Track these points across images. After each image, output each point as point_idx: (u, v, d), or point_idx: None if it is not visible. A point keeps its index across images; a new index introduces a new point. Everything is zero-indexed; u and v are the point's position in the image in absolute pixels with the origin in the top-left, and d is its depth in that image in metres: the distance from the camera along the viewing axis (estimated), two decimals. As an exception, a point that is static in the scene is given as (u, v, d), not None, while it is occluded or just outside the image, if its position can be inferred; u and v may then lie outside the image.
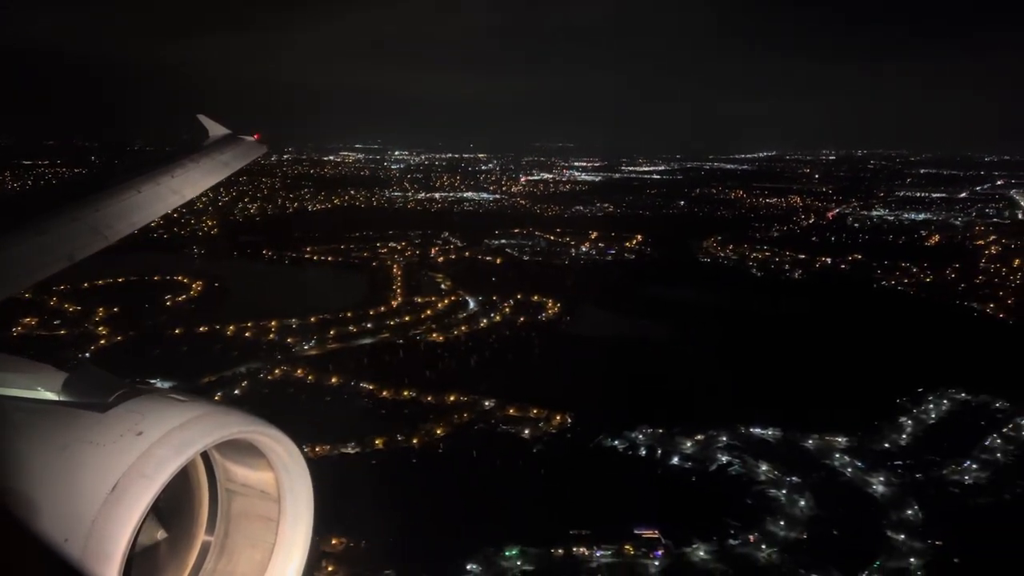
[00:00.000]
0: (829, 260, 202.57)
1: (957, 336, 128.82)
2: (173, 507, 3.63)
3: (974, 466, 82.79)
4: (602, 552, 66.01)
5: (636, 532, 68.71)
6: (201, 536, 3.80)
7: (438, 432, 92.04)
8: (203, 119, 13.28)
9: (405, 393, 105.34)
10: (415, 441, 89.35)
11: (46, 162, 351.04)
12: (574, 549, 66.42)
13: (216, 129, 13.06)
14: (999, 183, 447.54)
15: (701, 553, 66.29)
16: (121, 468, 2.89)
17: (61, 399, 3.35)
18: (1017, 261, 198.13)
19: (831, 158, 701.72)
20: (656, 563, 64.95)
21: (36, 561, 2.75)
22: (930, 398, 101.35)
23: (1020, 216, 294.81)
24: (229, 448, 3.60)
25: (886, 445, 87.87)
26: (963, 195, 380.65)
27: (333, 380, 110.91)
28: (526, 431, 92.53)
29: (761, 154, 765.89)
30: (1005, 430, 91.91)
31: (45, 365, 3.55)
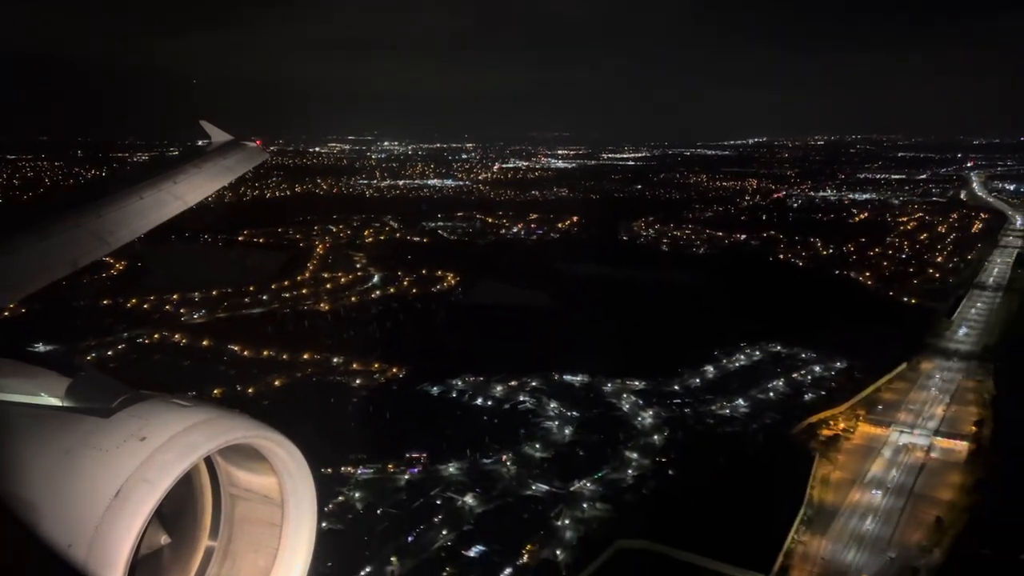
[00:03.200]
0: (743, 237, 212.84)
1: (812, 300, 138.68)
2: (177, 512, 3.69)
3: (742, 403, 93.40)
4: (364, 470, 76.88)
5: (407, 455, 79.52)
6: (205, 541, 3.86)
7: (276, 384, 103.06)
8: (206, 125, 13.43)
9: (265, 353, 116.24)
10: (250, 390, 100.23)
11: (30, 157, 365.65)
12: (342, 468, 77.25)
13: (219, 135, 13.25)
14: (968, 165, 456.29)
15: (451, 469, 77.09)
16: (125, 473, 2.92)
17: (64, 405, 3.41)
18: (923, 236, 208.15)
19: (819, 143, 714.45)
20: (406, 477, 75.90)
21: (40, 567, 2.80)
22: (747, 350, 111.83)
23: (962, 196, 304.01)
24: (232, 453, 3.65)
25: (676, 387, 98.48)
26: (922, 176, 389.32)
27: (204, 343, 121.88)
28: (357, 381, 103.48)
29: (751, 140, 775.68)
30: (795, 375, 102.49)
31: (48, 371, 3.60)
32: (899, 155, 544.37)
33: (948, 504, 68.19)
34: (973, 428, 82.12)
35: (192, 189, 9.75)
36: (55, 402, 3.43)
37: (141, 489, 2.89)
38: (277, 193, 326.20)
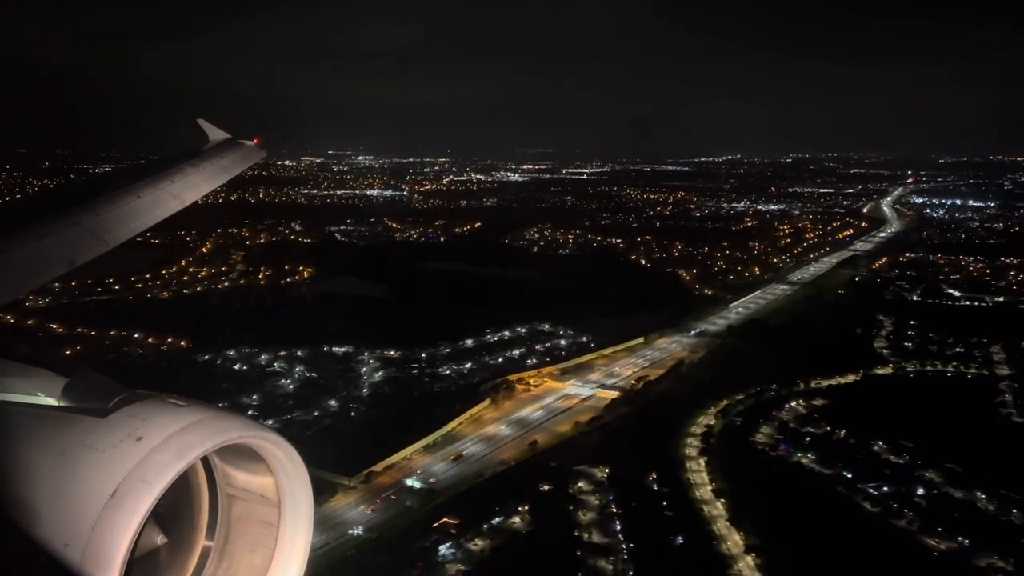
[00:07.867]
0: (616, 240, 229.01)
1: (623, 290, 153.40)
2: (173, 512, 3.76)
3: (469, 365, 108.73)
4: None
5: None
6: (201, 541, 3.94)
7: (65, 352, 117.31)
8: (203, 124, 13.73)
9: (78, 330, 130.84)
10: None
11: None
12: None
13: (216, 134, 13.55)
14: (909, 180, 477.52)
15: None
16: (121, 473, 2.98)
17: (61, 404, 3.49)
18: (785, 241, 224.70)
19: (788, 160, 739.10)
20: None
21: (36, 567, 2.88)
22: (516, 327, 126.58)
23: (864, 208, 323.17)
24: (229, 453, 3.71)
25: (423, 355, 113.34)
26: (850, 191, 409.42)
27: (29, 322, 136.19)
28: (140, 351, 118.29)
29: (721, 158, 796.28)
30: (537, 346, 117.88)
31: (45, 371, 3.66)
32: (852, 171, 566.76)
33: (557, 434, 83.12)
34: (633, 383, 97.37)
35: (190, 188, 10.06)
36: (51, 402, 3.52)
37: (137, 489, 2.95)
38: (209, 200, 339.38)
